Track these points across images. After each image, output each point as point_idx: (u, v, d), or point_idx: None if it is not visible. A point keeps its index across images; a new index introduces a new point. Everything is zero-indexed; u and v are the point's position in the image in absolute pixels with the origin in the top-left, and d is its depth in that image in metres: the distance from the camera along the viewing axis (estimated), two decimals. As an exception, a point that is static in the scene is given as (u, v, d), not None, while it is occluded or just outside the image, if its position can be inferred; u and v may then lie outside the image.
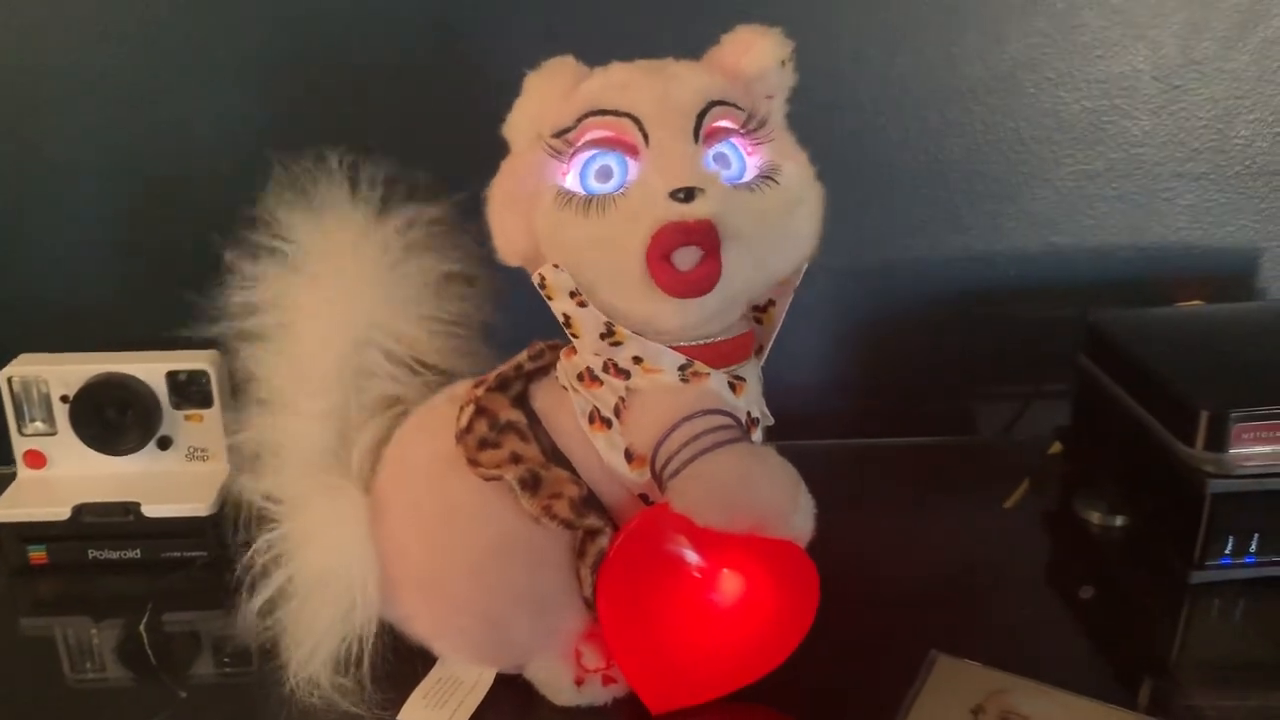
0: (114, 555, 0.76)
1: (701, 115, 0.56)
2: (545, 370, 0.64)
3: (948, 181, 0.94)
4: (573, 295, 0.58)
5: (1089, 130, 0.93)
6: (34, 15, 0.85)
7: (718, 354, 0.59)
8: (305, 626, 0.62)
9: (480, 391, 0.62)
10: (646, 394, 0.59)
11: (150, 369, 0.77)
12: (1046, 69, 0.91)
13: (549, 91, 0.59)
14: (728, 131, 0.58)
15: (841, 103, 0.90)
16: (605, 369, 0.59)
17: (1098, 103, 0.92)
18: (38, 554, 0.76)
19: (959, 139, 0.92)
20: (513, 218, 0.59)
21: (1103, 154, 0.93)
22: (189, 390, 0.78)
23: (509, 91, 0.60)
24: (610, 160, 0.57)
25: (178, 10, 0.85)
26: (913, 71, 0.90)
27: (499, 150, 0.61)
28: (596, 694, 0.62)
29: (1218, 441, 0.70)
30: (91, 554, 0.76)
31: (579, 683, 0.62)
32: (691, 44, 0.62)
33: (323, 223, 0.65)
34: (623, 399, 0.59)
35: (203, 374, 0.77)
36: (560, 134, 0.58)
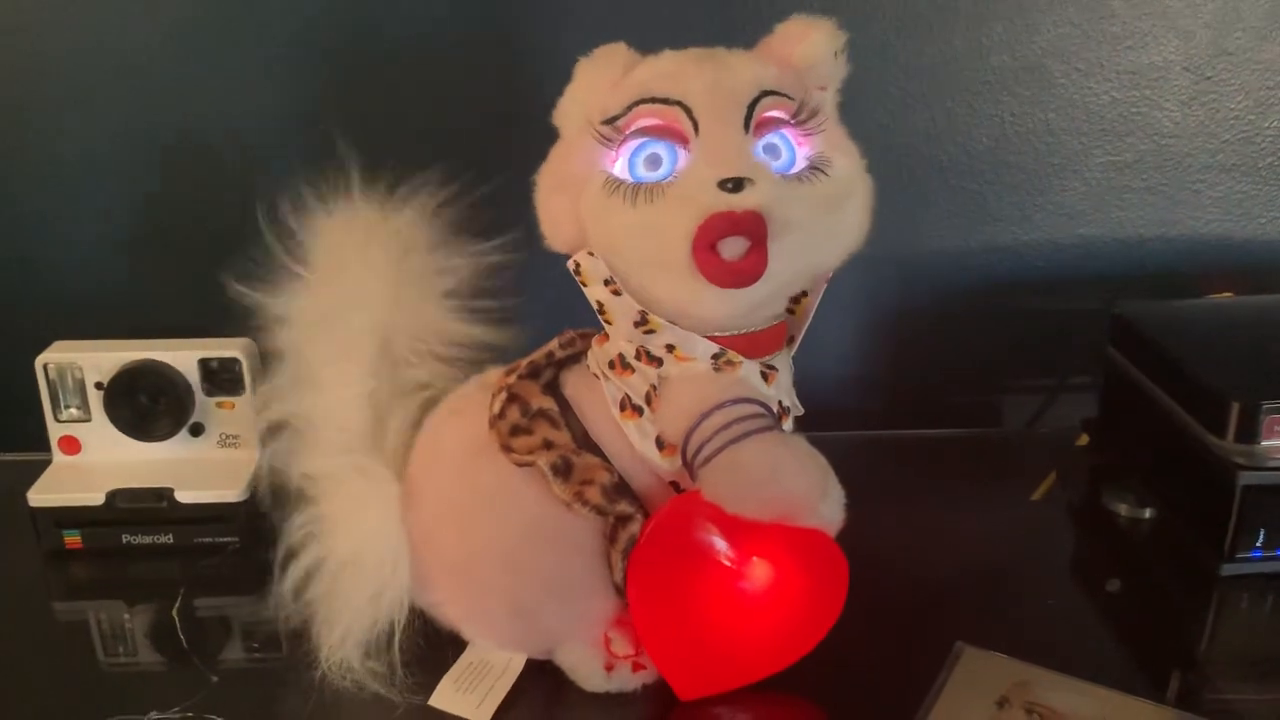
0: (147, 540, 0.77)
1: (752, 105, 0.56)
2: (576, 358, 0.64)
3: (976, 173, 0.93)
4: (607, 283, 0.58)
5: (1119, 121, 0.92)
6: (61, 8, 0.86)
7: (752, 344, 0.59)
8: (336, 610, 0.62)
9: (512, 379, 0.62)
10: (678, 382, 0.59)
11: (183, 356, 0.78)
12: (1076, 60, 0.90)
13: (599, 78, 0.59)
14: (778, 122, 0.57)
15: (869, 93, 0.90)
16: (637, 356, 0.60)
17: (1128, 94, 0.91)
18: (72, 539, 0.77)
19: (988, 130, 0.92)
20: (560, 204, 0.59)
21: (1132, 145, 0.93)
22: (221, 377, 0.78)
23: (555, 82, 0.60)
24: (659, 148, 0.56)
25: (205, 1, 0.86)
26: (941, 62, 0.90)
27: (532, 139, 0.61)
28: (626, 680, 0.62)
29: (1249, 433, 0.70)
30: (125, 539, 0.77)
31: (609, 669, 0.62)
32: (741, 33, 0.61)
33: (344, 219, 0.65)
34: (654, 387, 0.59)
35: (235, 361, 0.78)
36: (610, 121, 0.57)
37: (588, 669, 0.62)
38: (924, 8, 0.88)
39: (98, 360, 0.78)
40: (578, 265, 0.59)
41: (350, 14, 0.87)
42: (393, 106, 0.89)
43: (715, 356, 0.58)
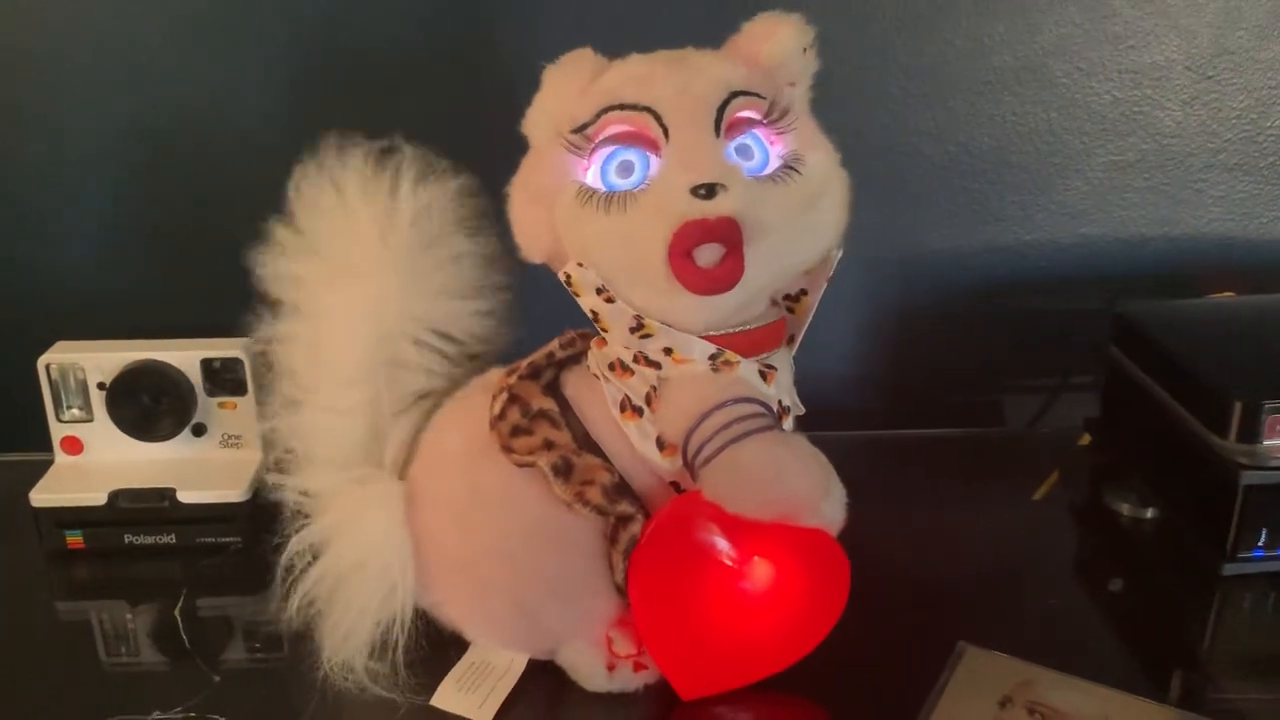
0: (149, 540, 0.77)
1: (722, 107, 0.56)
2: (576, 358, 0.64)
3: (978, 172, 0.93)
4: (599, 292, 0.58)
5: (1120, 121, 0.92)
6: (61, 7, 0.86)
7: (748, 342, 0.59)
8: (340, 611, 0.62)
9: (512, 379, 0.62)
10: (677, 382, 0.59)
11: (185, 356, 0.78)
12: (1078, 59, 0.90)
13: (567, 86, 0.59)
14: (750, 122, 0.57)
15: (870, 92, 0.90)
16: (636, 360, 0.59)
17: (1129, 93, 0.91)
18: (74, 539, 0.77)
19: (989, 129, 0.92)
20: (534, 215, 0.59)
21: (1134, 145, 0.93)
22: (223, 377, 0.79)
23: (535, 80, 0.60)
24: (631, 155, 0.56)
25: (205, 1, 0.86)
26: (943, 61, 0.90)
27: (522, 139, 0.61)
28: (627, 680, 0.62)
29: (1251, 433, 0.69)
30: (127, 539, 0.77)
31: (610, 669, 0.62)
32: (715, 31, 0.61)
33: (347, 211, 0.64)
34: (654, 388, 0.59)
35: (237, 361, 0.78)
36: (580, 130, 0.57)
37: (589, 669, 0.62)
38: (924, 7, 0.88)
39: (100, 360, 0.78)
40: (569, 277, 0.59)
41: (350, 14, 0.87)
42: (393, 106, 0.89)
43: (713, 357, 0.58)
